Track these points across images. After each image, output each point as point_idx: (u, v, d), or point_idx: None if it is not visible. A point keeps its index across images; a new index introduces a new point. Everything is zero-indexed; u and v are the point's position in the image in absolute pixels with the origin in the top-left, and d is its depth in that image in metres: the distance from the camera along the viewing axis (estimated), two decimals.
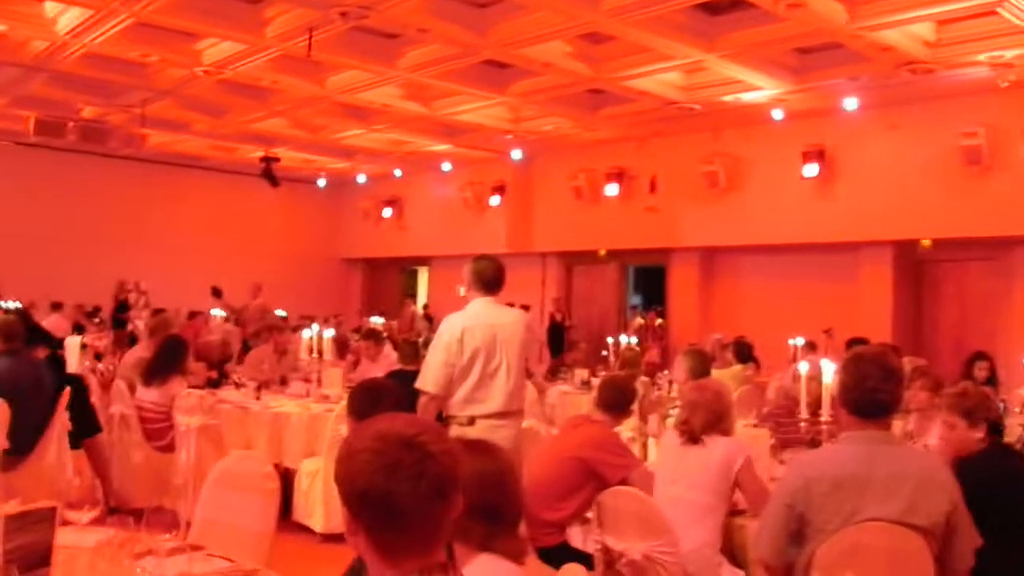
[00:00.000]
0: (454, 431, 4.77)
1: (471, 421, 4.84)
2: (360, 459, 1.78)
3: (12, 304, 14.81)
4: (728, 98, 13.06)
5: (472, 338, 4.84)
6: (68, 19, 11.15)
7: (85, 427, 6.15)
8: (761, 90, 12.56)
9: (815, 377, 5.22)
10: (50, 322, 12.98)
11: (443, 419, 4.87)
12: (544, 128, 15.85)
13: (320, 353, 8.16)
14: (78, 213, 20.13)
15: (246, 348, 14.47)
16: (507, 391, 4.89)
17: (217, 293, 17.10)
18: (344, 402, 6.80)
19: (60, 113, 15.70)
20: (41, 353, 6.71)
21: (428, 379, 4.87)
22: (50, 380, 6.02)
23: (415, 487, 1.75)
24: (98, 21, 10.84)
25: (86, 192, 20.27)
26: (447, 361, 4.83)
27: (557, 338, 16.63)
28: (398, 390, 3.32)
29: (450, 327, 4.92)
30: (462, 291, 5.40)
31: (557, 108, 14.31)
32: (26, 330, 6.41)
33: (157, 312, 12.97)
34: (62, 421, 5.93)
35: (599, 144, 16.57)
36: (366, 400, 3.17)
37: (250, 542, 3.41)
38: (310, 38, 10.70)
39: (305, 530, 6.72)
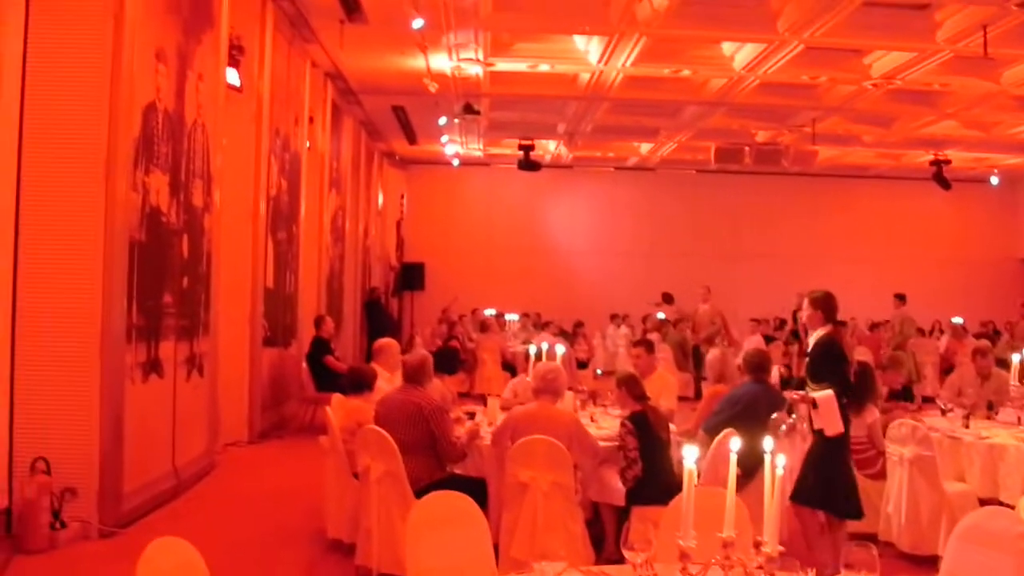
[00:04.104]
0: None
1: None
2: None
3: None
4: None
5: None
6: (743, 55, 12.02)
7: None
8: None
9: None
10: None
11: None
12: None
13: None
14: (755, 230, 21.45)
15: (696, 354, 14.11)
16: None
17: (668, 299, 16.80)
18: None
19: (736, 140, 16.88)
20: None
21: None
22: (780, 402, 6.43)
23: None
24: (770, 53, 11.53)
25: (759, 210, 21.50)
26: None
27: None
28: None
29: None
30: None
31: None
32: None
33: None
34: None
35: None
36: None
37: None
38: (984, 35, 10.20)
39: None
